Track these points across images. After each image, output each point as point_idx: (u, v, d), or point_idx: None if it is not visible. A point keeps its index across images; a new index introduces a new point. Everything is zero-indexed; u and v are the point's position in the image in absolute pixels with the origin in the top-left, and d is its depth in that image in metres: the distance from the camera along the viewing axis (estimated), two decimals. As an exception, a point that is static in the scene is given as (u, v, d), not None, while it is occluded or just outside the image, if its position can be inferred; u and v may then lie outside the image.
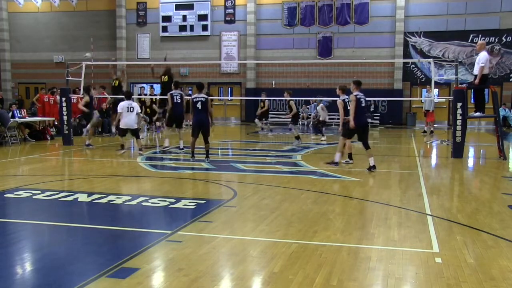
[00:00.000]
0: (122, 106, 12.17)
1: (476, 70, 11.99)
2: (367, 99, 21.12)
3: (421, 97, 24.17)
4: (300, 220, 5.90)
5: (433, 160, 12.54)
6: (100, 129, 18.02)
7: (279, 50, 26.06)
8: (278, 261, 4.44)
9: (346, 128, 10.19)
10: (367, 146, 10.07)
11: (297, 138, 15.37)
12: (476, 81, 11.81)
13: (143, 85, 24.52)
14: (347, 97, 10.39)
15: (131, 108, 12.10)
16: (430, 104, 19.02)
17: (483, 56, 11.72)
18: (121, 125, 12.22)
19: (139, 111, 12.69)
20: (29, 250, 4.92)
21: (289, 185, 8.28)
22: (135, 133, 12.37)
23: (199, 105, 10.71)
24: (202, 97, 10.82)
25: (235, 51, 26.85)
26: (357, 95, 9.99)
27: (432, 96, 17.90)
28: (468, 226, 5.76)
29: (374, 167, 9.74)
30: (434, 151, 14.82)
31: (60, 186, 8.33)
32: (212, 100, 20.81)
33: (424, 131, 19.57)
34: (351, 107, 10.03)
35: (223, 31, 26.82)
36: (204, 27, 26.91)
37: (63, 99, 14.39)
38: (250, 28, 26.21)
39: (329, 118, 24.79)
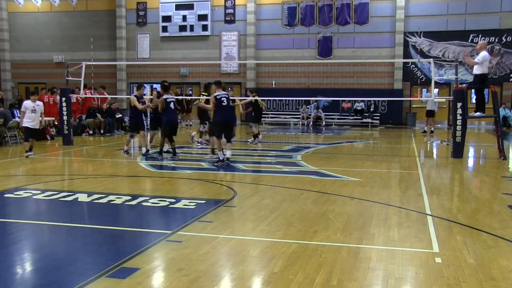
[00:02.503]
0: (27, 105, 11.60)
1: (476, 70, 12.02)
2: (368, 99, 21.41)
3: (422, 97, 24.19)
4: (300, 220, 5.90)
5: (433, 160, 12.54)
6: (102, 130, 18.05)
7: (279, 50, 26.05)
8: (278, 261, 4.44)
9: (213, 128, 11.04)
10: (229, 140, 10.82)
11: (255, 136, 15.30)
12: (475, 60, 11.86)
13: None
14: (224, 93, 10.72)
15: (35, 110, 11.63)
16: (432, 104, 19.05)
17: (481, 55, 11.75)
18: (26, 124, 11.59)
19: (42, 111, 12.04)
20: (29, 250, 4.92)
21: (289, 185, 8.28)
22: (38, 133, 12.09)
23: (172, 105, 11.26)
24: (173, 98, 11.46)
25: (235, 51, 26.85)
26: (218, 95, 10.52)
27: (432, 96, 17.92)
28: (468, 226, 5.76)
29: (227, 159, 10.40)
30: (434, 151, 14.82)
31: (60, 186, 8.33)
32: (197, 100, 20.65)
33: (424, 131, 19.58)
34: (211, 107, 10.79)
35: (223, 31, 26.82)
36: (204, 27, 26.90)
37: (63, 99, 14.39)
38: (250, 28, 26.20)
39: (328, 118, 24.90)
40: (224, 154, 10.47)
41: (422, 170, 10.15)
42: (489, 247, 4.93)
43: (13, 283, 3.97)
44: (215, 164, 10.42)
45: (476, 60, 11.84)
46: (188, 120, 22.19)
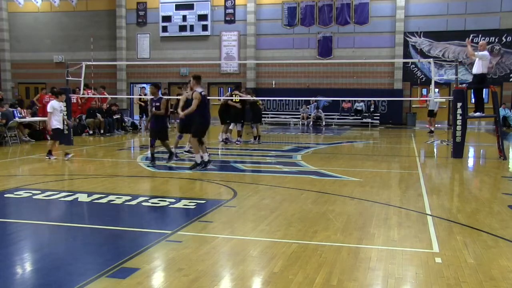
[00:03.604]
0: (55, 106, 11.11)
1: (475, 70, 12.01)
2: (368, 99, 21.12)
3: (421, 97, 24.20)
4: (300, 220, 5.90)
5: (433, 160, 12.53)
6: (102, 130, 18.07)
7: (279, 50, 26.06)
8: (278, 261, 4.44)
9: (197, 129, 9.72)
10: (202, 142, 9.88)
11: (256, 138, 15.45)
12: (473, 52, 11.85)
13: (143, 85, 24.54)
14: (203, 90, 9.98)
15: (62, 110, 11.41)
16: (434, 104, 19.04)
17: (482, 54, 11.76)
18: (55, 126, 11.14)
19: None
20: (29, 250, 4.92)
21: (289, 185, 8.28)
22: (63, 134, 11.43)
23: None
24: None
25: (235, 51, 26.85)
26: (202, 91, 9.61)
27: (432, 96, 17.92)
28: (468, 226, 5.76)
29: (209, 162, 9.84)
30: (434, 151, 14.82)
31: (60, 186, 8.33)
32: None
33: (431, 131, 19.41)
34: (195, 105, 9.63)
35: (223, 31, 26.82)
36: (204, 27, 26.91)
37: (63, 99, 14.37)
38: (250, 28, 26.21)
39: (328, 118, 24.91)
40: (202, 157, 9.77)
41: (422, 170, 10.15)
42: (489, 247, 4.93)
43: (13, 283, 3.96)
44: (193, 169, 9.53)
45: (476, 53, 11.81)
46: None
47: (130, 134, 19.05)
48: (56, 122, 11.11)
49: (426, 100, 21.37)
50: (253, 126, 15.67)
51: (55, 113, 11.08)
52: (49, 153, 11.22)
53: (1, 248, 4.82)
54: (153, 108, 10.32)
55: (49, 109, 11.18)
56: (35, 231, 5.58)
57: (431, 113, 19.47)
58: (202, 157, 9.79)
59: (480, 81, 12.01)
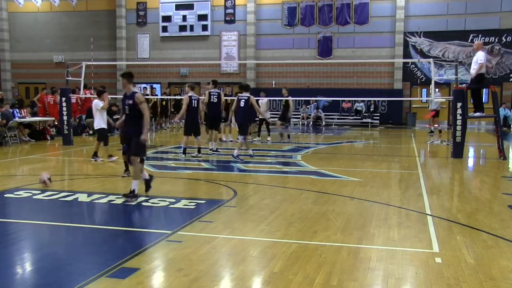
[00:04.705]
0: (100, 105, 10.62)
1: (473, 69, 11.98)
2: (368, 99, 20.59)
3: (421, 97, 24.20)
4: (300, 220, 5.90)
5: (433, 160, 12.53)
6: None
7: (279, 50, 26.05)
8: (278, 261, 4.44)
9: (136, 146, 7.20)
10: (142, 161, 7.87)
11: (288, 136, 15.97)
12: (473, 73, 11.78)
13: (144, 85, 24.52)
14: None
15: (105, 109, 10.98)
16: (435, 104, 19.04)
17: (481, 55, 11.73)
18: (100, 126, 10.72)
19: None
20: (29, 250, 4.92)
21: (289, 185, 8.28)
22: (106, 135, 11.00)
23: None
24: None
25: (235, 51, 26.85)
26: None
27: (432, 96, 17.90)
28: (468, 226, 5.76)
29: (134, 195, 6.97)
30: (434, 151, 14.81)
31: (60, 186, 8.32)
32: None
33: (438, 131, 19.39)
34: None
35: (223, 31, 26.82)
36: (204, 27, 26.91)
37: (63, 99, 14.40)
38: (250, 28, 26.21)
39: (328, 118, 24.90)
40: (135, 190, 7.01)
41: (422, 170, 10.15)
42: (489, 247, 4.93)
43: (13, 283, 3.97)
44: (128, 199, 6.88)
45: (479, 62, 11.70)
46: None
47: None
48: (101, 121, 10.73)
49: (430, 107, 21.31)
50: (287, 126, 16.01)
51: (101, 112, 10.70)
52: (95, 154, 10.96)
53: (1, 248, 4.82)
54: (126, 107, 7.28)
55: (97, 106, 10.70)
56: (35, 231, 5.59)
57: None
58: (146, 179, 7.50)
59: (478, 81, 12.00)
